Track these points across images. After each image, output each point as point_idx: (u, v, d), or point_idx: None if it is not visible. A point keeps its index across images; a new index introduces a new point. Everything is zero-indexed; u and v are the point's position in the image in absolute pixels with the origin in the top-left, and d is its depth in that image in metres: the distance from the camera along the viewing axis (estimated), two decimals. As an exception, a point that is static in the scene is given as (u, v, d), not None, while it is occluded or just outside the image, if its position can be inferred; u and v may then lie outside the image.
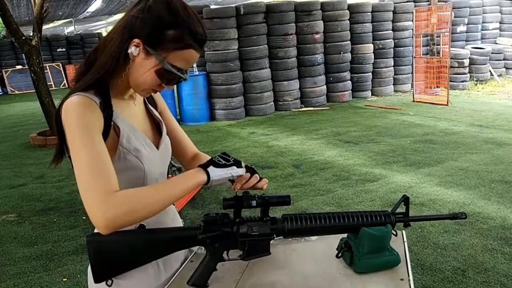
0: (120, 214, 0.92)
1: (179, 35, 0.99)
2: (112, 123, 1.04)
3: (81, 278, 2.91)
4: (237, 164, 1.09)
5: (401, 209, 1.19)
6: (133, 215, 0.95)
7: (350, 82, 9.09)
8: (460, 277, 2.63)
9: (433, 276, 2.66)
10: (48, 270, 3.05)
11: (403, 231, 1.33)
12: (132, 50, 1.00)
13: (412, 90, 9.07)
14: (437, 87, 8.69)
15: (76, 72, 1.08)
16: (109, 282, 1.07)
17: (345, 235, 1.20)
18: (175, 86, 1.11)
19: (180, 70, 1.02)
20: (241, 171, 1.09)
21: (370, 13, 9.09)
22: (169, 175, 3.62)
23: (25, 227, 3.82)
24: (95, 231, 1.14)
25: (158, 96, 1.26)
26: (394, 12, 9.36)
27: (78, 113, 0.97)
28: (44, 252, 3.32)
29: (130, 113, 1.12)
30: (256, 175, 1.12)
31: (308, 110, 8.46)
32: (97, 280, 1.05)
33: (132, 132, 1.09)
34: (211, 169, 1.05)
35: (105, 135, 1.02)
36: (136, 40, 0.99)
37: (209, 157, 1.30)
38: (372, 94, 9.41)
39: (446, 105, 7.99)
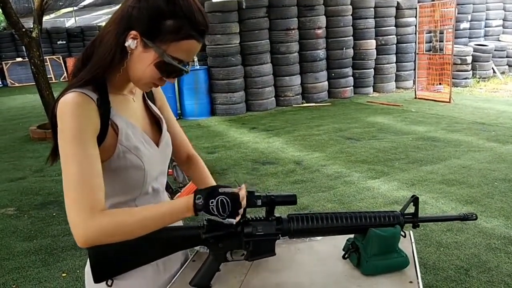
0: (101, 235, 0.91)
1: (178, 25, 0.94)
2: (110, 121, 1.00)
3: (80, 274, 2.88)
4: (232, 214, 0.96)
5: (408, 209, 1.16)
6: (113, 238, 0.93)
7: (352, 78, 9.04)
8: (463, 276, 2.61)
9: (436, 275, 2.63)
10: (47, 265, 3.02)
11: (411, 232, 1.30)
12: (130, 43, 0.95)
13: (414, 87, 9.02)
14: (440, 84, 8.64)
15: (73, 67, 1.03)
16: (109, 282, 1.04)
17: (351, 236, 1.17)
18: (176, 79, 1.05)
19: (181, 62, 0.98)
20: (231, 222, 0.98)
21: (373, 9, 9.02)
22: (169, 170, 3.59)
23: (24, 221, 3.80)
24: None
25: (157, 91, 1.21)
26: (397, 8, 9.30)
27: (72, 116, 0.93)
28: (43, 246, 3.29)
29: (129, 109, 1.08)
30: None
31: (309, 106, 8.42)
32: (97, 280, 1.02)
33: (131, 130, 1.04)
34: (202, 214, 0.97)
35: (103, 134, 0.97)
36: (133, 32, 0.94)
37: (201, 168, 1.29)
38: (374, 91, 9.37)
39: (449, 102, 7.95)
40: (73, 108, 0.93)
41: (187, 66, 1.00)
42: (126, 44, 0.95)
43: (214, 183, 1.29)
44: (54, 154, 1.03)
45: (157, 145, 1.12)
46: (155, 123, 1.16)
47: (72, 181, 0.91)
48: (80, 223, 0.90)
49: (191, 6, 0.94)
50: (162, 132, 1.15)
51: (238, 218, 0.99)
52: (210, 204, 0.95)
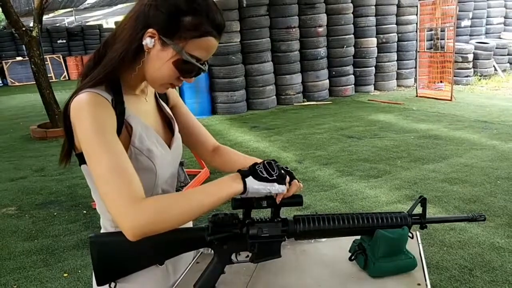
0: (149, 222, 0.86)
1: (197, 22, 0.92)
2: (124, 121, 0.98)
3: (82, 274, 2.87)
4: (280, 180, 0.96)
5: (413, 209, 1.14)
6: (162, 224, 0.88)
7: (353, 76, 9.03)
8: (467, 276, 2.59)
9: (439, 275, 2.62)
10: (49, 265, 3.01)
11: (417, 233, 1.29)
12: (147, 41, 0.92)
13: (415, 85, 9.00)
14: (441, 82, 8.62)
15: (84, 67, 1.00)
16: (112, 285, 1.02)
17: (358, 237, 1.15)
18: (193, 79, 1.02)
19: (199, 60, 0.95)
20: (282, 189, 0.97)
21: (374, 7, 9.00)
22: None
23: (25, 220, 3.78)
24: (102, 231, 1.09)
25: (171, 91, 1.18)
26: (398, 6, 9.27)
27: (91, 114, 0.90)
28: (44, 246, 3.28)
29: (142, 110, 1.05)
30: (295, 181, 1.02)
31: (310, 105, 8.40)
32: (99, 283, 1.01)
33: (145, 131, 1.02)
34: (250, 180, 0.94)
35: (117, 134, 0.95)
36: (151, 30, 0.92)
37: (233, 152, 1.25)
38: (375, 89, 9.35)
39: (450, 100, 7.92)
40: (90, 106, 0.91)
41: (205, 65, 0.98)
42: (144, 42, 0.93)
43: (256, 160, 1.16)
44: (68, 156, 1.01)
45: (169, 146, 1.09)
46: (167, 124, 1.14)
47: (106, 174, 0.87)
48: (127, 214, 0.85)
49: (209, 4, 0.94)
50: (174, 133, 1.13)
51: (287, 188, 0.98)
52: (257, 168, 0.95)
